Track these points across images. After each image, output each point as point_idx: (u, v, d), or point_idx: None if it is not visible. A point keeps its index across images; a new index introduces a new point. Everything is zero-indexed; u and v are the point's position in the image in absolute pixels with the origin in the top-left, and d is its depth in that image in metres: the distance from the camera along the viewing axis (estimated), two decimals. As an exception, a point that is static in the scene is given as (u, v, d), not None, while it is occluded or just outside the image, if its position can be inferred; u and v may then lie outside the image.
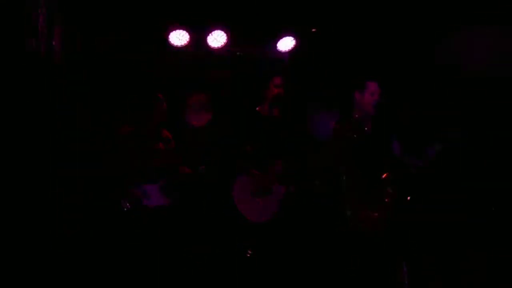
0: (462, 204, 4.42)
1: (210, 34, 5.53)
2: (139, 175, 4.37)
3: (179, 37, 5.45)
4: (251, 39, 5.93)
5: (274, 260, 3.89)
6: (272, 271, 3.90)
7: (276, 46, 5.83)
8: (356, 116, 3.91)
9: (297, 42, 5.77)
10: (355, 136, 3.83)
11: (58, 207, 3.59)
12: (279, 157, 3.95)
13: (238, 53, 5.92)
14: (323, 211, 5.18)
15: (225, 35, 5.54)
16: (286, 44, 5.81)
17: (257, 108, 4.29)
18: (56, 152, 3.39)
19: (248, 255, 4.06)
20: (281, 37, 5.74)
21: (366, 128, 3.88)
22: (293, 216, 3.91)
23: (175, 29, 5.39)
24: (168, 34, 5.40)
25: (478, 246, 4.32)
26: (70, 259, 3.84)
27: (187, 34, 5.44)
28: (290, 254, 3.89)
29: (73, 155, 3.78)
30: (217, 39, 5.57)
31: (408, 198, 3.81)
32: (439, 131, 3.96)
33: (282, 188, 3.93)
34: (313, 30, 5.85)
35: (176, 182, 4.48)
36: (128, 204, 4.29)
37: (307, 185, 5.66)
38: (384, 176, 3.83)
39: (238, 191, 4.09)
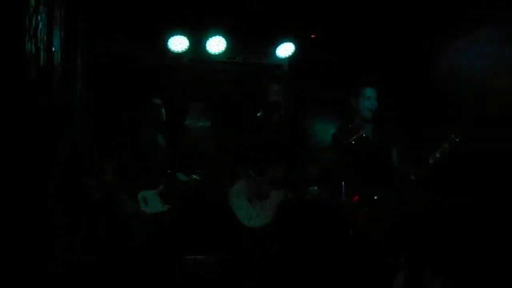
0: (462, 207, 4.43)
1: (209, 40, 5.54)
2: (138, 181, 4.37)
3: (178, 43, 5.46)
4: (250, 45, 5.94)
5: (270, 266, 3.88)
6: (268, 276, 3.88)
7: (275, 52, 5.84)
8: (354, 121, 3.92)
9: (296, 48, 5.78)
10: (352, 142, 3.82)
11: (55, 213, 3.57)
12: (278, 163, 3.94)
13: (237, 59, 5.92)
14: (321, 217, 5.18)
15: (224, 41, 5.55)
16: (285, 50, 5.82)
17: (257, 115, 4.29)
18: (54, 156, 3.38)
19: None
20: (280, 43, 5.76)
21: (364, 135, 3.87)
22: (290, 222, 3.90)
23: (174, 35, 5.40)
24: (168, 39, 5.41)
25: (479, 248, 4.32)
26: (68, 266, 3.82)
27: (186, 39, 5.45)
28: (286, 260, 3.87)
29: (71, 159, 3.78)
30: (216, 45, 5.58)
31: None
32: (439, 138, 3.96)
33: (279, 193, 3.92)
34: (312, 36, 5.85)
35: (175, 188, 4.48)
36: (127, 210, 4.29)
37: (305, 191, 5.67)
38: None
39: (235, 196, 4.08)
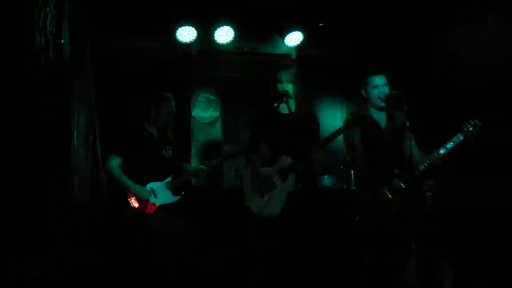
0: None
1: (217, 30, 5.52)
2: (147, 173, 4.37)
3: (186, 33, 5.44)
4: (259, 34, 5.92)
5: (279, 255, 3.88)
6: (277, 265, 3.88)
7: (283, 41, 5.82)
8: (363, 110, 3.90)
9: (304, 37, 5.75)
10: (360, 129, 3.80)
11: (64, 205, 3.58)
12: (288, 152, 3.93)
13: (245, 49, 5.90)
14: (331, 206, 5.18)
15: (232, 31, 5.52)
16: (293, 39, 5.79)
17: (264, 104, 4.27)
18: (64, 149, 3.39)
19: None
20: (288, 32, 5.73)
21: (371, 121, 3.83)
22: (299, 212, 3.89)
23: (182, 25, 5.38)
24: (176, 30, 5.40)
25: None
26: (75, 257, 3.84)
27: (194, 30, 5.43)
28: (295, 250, 3.87)
29: (80, 152, 3.78)
30: (224, 35, 5.55)
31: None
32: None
33: (288, 183, 3.91)
34: (321, 24, 5.82)
35: (183, 179, 4.48)
36: (135, 202, 4.30)
37: (314, 181, 5.66)
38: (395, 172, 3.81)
39: (244, 186, 4.07)
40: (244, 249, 4.36)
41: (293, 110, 4.01)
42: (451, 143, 3.73)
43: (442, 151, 3.73)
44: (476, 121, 3.72)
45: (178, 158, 4.58)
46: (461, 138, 3.72)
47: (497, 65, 4.43)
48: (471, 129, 3.71)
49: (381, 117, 4.00)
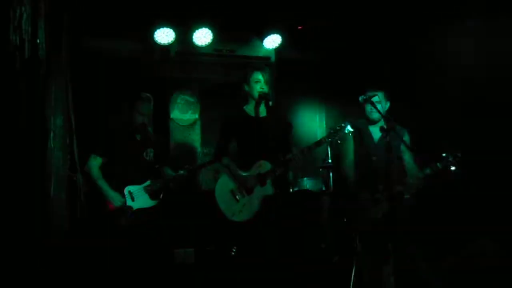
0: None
1: (195, 32, 5.50)
2: (126, 176, 4.32)
3: (165, 35, 5.42)
4: (237, 36, 5.91)
5: (255, 260, 3.86)
6: (254, 270, 3.86)
7: (262, 44, 5.82)
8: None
9: (283, 39, 5.76)
10: (339, 141, 3.84)
11: (42, 207, 3.53)
12: (265, 156, 3.90)
13: (224, 51, 5.89)
14: (305, 211, 5.20)
15: (210, 33, 5.51)
16: (272, 41, 5.80)
17: (235, 106, 4.24)
18: (41, 151, 3.33)
19: (232, 253, 4.05)
20: (267, 35, 5.74)
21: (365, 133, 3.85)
22: (275, 216, 3.88)
23: (161, 27, 5.36)
24: (154, 32, 5.37)
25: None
26: (54, 260, 3.77)
27: (172, 32, 5.41)
28: (271, 254, 3.85)
29: (57, 154, 3.71)
30: (202, 37, 5.54)
31: None
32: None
33: (264, 188, 3.88)
34: (299, 27, 5.83)
35: (161, 184, 4.43)
36: (113, 206, 4.24)
37: (290, 185, 5.66)
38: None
39: (219, 191, 4.02)
40: (218, 252, 4.35)
41: (270, 113, 4.00)
42: (429, 169, 3.81)
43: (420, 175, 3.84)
44: (456, 153, 3.79)
45: (158, 161, 4.53)
46: (439, 166, 3.79)
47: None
48: (450, 159, 3.77)
49: (375, 130, 4.04)
